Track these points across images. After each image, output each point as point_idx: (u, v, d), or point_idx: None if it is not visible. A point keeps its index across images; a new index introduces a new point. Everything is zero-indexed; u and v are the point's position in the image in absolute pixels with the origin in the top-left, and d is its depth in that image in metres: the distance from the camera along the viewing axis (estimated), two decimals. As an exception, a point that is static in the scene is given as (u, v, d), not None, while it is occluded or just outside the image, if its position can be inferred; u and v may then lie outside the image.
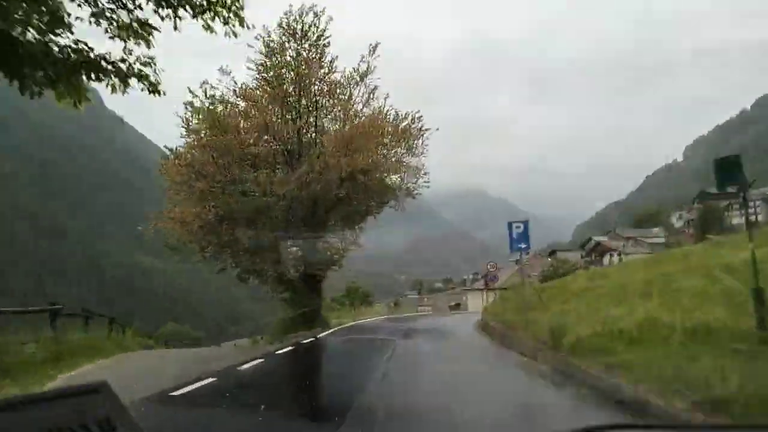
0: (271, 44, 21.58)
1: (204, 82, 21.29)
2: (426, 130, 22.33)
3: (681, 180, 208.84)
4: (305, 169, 20.06)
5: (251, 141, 21.19)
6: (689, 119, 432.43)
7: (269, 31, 21.57)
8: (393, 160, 22.16)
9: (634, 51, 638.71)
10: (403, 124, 22.39)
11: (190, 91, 21.22)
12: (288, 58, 21.61)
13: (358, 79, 22.01)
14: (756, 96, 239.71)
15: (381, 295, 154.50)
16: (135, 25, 6.77)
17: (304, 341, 17.40)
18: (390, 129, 22.03)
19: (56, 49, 6.22)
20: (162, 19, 6.82)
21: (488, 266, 34.26)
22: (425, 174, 22.99)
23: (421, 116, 22.28)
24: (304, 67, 21.40)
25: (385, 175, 22.40)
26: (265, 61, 21.67)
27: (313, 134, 22.17)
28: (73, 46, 6.38)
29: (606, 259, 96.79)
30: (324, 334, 20.35)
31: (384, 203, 23.66)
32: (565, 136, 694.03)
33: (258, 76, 21.90)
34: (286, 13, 21.41)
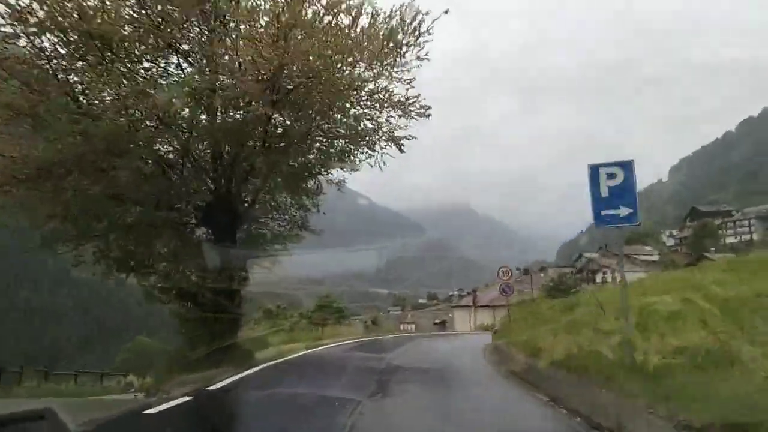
0: None
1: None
2: (422, 26, 12.33)
3: (665, 200, 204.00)
4: (203, 65, 10.21)
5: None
6: (674, 139, 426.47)
7: None
8: (366, 67, 12.14)
9: (621, 68, 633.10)
10: (384, 27, 12.62)
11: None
12: None
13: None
14: (740, 117, 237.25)
15: (361, 310, 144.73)
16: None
17: (155, 408, 7.64)
18: (363, 32, 12.23)
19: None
20: None
21: (500, 273, 24.18)
22: (425, 108, 12.97)
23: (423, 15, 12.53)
24: None
25: (353, 91, 12.28)
26: None
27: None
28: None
29: (599, 277, 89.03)
30: (231, 379, 10.55)
31: (351, 150, 13.52)
32: (552, 153, 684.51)
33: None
34: None
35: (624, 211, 8.40)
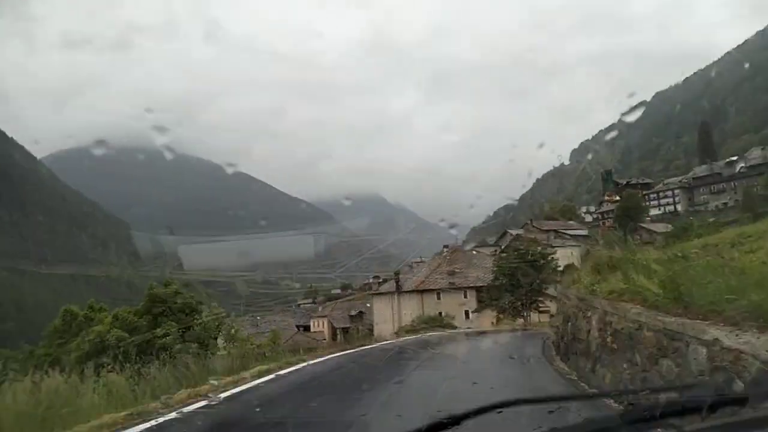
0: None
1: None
2: None
3: (568, 182, 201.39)
4: None
5: None
6: (575, 124, 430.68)
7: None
8: None
9: (525, 57, 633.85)
10: None
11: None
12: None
13: None
14: (635, 102, 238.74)
15: (269, 305, 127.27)
16: None
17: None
18: None
19: None
20: None
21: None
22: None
23: None
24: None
25: None
26: None
27: None
28: None
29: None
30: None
31: None
32: (459, 141, 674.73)
33: None
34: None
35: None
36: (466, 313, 53.86)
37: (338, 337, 67.60)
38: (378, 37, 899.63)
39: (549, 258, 37.52)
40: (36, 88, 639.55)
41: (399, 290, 59.15)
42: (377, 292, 65.87)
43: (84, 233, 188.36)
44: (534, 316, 37.32)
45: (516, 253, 38.95)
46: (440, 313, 52.72)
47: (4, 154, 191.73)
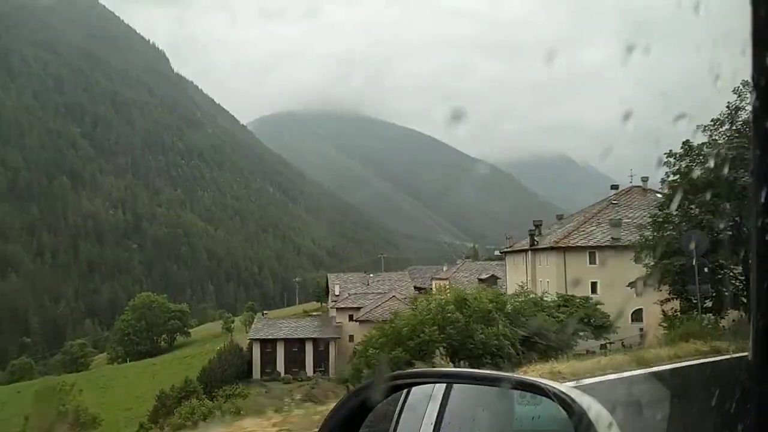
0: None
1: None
2: None
3: None
4: None
5: None
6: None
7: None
8: None
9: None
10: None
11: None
12: None
13: None
14: None
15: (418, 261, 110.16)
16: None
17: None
18: None
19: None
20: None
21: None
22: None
23: None
24: None
25: None
26: None
27: None
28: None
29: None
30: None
31: None
32: None
33: None
34: None
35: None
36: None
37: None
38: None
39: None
40: (237, 59, 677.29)
41: (534, 246, 37.22)
42: (509, 249, 44.16)
43: (273, 186, 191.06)
44: None
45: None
46: (593, 288, 30.41)
47: (211, 118, 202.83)
